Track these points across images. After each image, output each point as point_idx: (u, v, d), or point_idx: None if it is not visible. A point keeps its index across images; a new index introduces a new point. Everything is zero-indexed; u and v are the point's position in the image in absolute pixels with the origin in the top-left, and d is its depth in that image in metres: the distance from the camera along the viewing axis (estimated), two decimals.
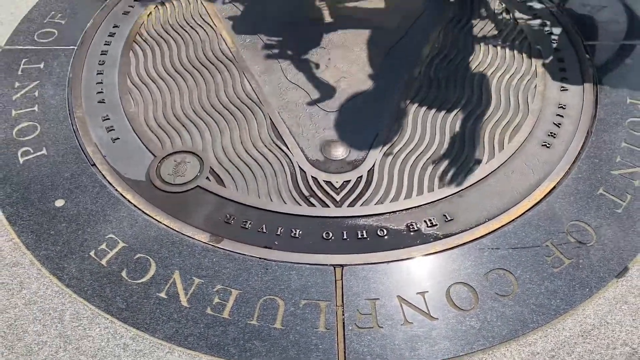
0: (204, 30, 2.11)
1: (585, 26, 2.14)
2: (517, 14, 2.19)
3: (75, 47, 2.03)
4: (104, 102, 1.85)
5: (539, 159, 1.68)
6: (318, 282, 1.38)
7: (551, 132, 1.76)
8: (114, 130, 1.76)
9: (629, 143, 1.71)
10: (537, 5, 2.23)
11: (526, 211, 1.55)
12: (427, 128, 1.77)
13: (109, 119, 1.79)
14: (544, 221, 1.52)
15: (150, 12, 2.18)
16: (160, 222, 1.51)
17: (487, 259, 1.43)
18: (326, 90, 1.91)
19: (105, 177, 1.63)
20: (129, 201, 1.57)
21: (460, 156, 1.69)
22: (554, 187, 1.60)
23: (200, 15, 2.17)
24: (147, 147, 1.71)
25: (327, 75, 1.97)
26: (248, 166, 1.67)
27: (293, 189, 1.61)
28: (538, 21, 2.16)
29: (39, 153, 1.69)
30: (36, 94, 1.86)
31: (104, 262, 1.42)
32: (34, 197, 1.57)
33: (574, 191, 1.59)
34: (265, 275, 1.40)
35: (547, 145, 1.72)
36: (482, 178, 1.63)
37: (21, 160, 1.67)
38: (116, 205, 1.55)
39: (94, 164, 1.66)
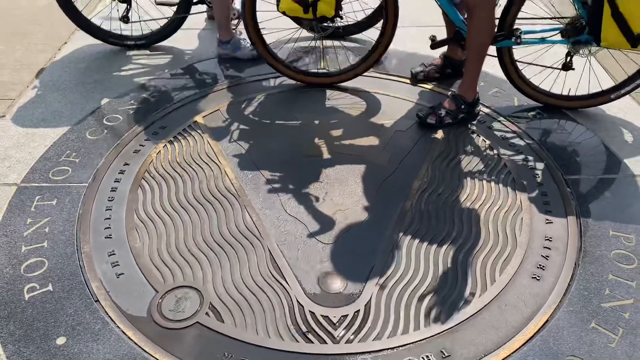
0: (209, 167, 2.26)
1: (565, 161, 2.30)
2: (501, 150, 2.35)
3: (87, 184, 2.16)
4: (110, 238, 1.93)
5: (530, 292, 1.73)
6: None
7: (540, 265, 1.82)
8: (118, 265, 1.83)
9: (615, 275, 1.78)
10: (519, 142, 2.41)
11: (521, 346, 1.57)
12: (421, 261, 1.84)
13: (114, 254, 1.87)
14: (539, 356, 1.53)
15: (160, 151, 2.34)
16: None
17: None
18: (323, 223, 2.01)
19: (107, 314, 1.66)
20: (129, 338, 1.59)
21: (454, 290, 1.74)
22: (547, 320, 1.64)
23: (206, 153, 2.34)
24: (149, 283, 1.77)
25: (324, 208, 2.08)
26: (247, 300, 1.71)
27: (291, 324, 1.64)
28: (521, 156, 2.32)
29: (44, 289, 1.74)
30: (47, 229, 1.95)
31: None
32: (36, 334, 1.60)
33: (567, 325, 1.62)
34: None
35: (537, 278, 1.78)
36: (476, 312, 1.67)
37: (27, 296, 1.71)
38: (117, 343, 1.57)
39: (97, 300, 1.70)
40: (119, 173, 2.22)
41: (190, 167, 2.26)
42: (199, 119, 2.56)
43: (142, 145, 2.38)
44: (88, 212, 2.04)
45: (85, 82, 2.84)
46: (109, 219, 2.01)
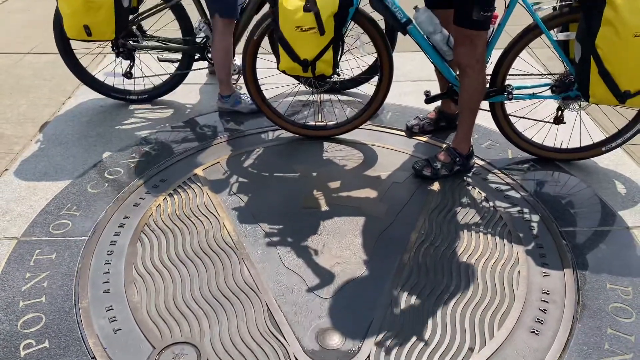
0: (208, 219, 2.28)
1: (560, 213, 2.33)
2: (497, 202, 2.39)
3: (87, 238, 2.17)
4: (109, 292, 1.93)
5: (529, 347, 1.73)
6: None
7: (538, 318, 1.82)
8: (116, 320, 1.82)
9: (614, 329, 1.77)
10: (515, 194, 2.45)
11: None
12: (419, 315, 1.84)
13: (112, 309, 1.86)
14: None
15: (159, 204, 2.37)
16: None
17: None
18: (322, 276, 2.01)
19: None
20: None
21: (453, 345, 1.73)
22: None
23: (205, 206, 2.36)
24: (147, 338, 1.76)
25: (322, 260, 2.09)
26: (245, 358, 1.69)
27: None
28: (516, 208, 2.36)
29: (41, 346, 1.72)
30: (45, 284, 1.95)
31: None
32: None
33: None
34: None
35: (536, 332, 1.77)
36: None
37: (22, 353, 1.70)
38: None
39: (94, 357, 1.69)
40: (118, 226, 2.24)
41: (189, 219, 2.28)
42: (199, 171, 2.60)
43: (142, 199, 2.41)
44: (87, 266, 2.04)
45: (88, 135, 2.90)
46: (108, 273, 2.02)
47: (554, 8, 2.37)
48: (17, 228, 2.23)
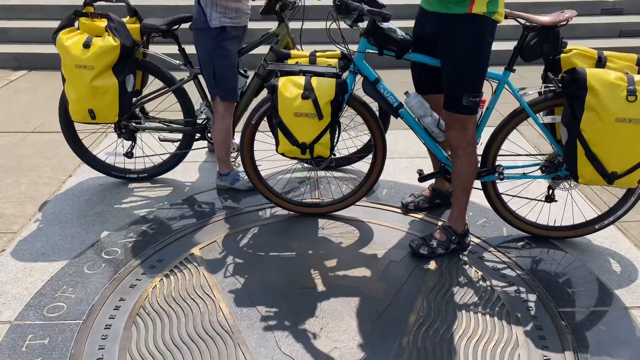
0: (204, 301, 2.27)
1: (557, 292, 2.33)
2: (493, 281, 2.39)
3: (81, 322, 2.15)
4: None
5: None
6: None
7: None
8: None
9: None
10: (511, 273, 2.45)
11: None
12: None
13: None
14: None
15: (155, 285, 2.36)
16: None
17: None
18: None
19: None
20: None
21: None
22: None
23: (202, 287, 2.36)
24: None
25: (320, 345, 2.06)
26: None
27: None
28: (513, 287, 2.36)
29: None
30: None
31: None
32: None
33: None
34: None
35: None
36: None
37: None
38: None
39: None
40: (113, 309, 2.22)
41: (185, 302, 2.26)
42: (195, 251, 2.61)
43: (138, 280, 2.40)
44: (80, 352, 2.01)
45: (87, 214, 2.93)
46: (102, 358, 1.98)
47: (539, 93, 2.48)
48: (11, 311, 2.21)
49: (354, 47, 2.53)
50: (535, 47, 2.38)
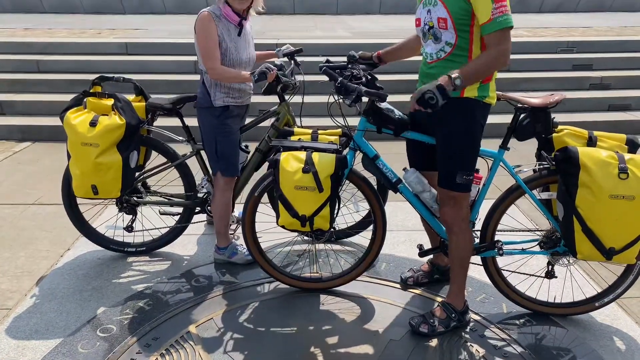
0: None
1: None
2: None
3: None
4: None
5: None
6: None
7: None
8: None
9: None
10: (512, 350, 2.41)
11: None
12: None
13: None
14: None
15: None
16: None
17: None
18: None
19: None
20: None
21: None
22: None
23: None
24: None
25: None
26: None
27: None
28: None
29: None
30: None
31: None
32: None
33: None
34: None
35: None
36: None
37: None
38: None
39: None
40: None
41: None
42: (192, 328, 2.57)
43: (133, 359, 2.34)
44: None
45: (83, 289, 2.90)
46: None
47: (534, 170, 2.54)
48: None
49: (354, 120, 2.60)
50: (527, 127, 2.46)
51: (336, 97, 2.49)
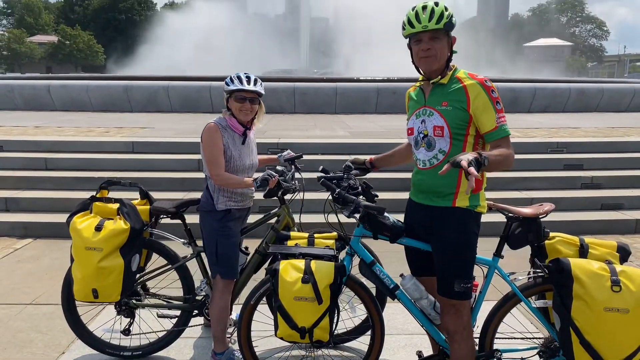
0: None
1: None
2: None
3: None
4: None
5: None
6: None
7: None
8: None
9: None
10: None
11: None
12: None
13: None
14: None
15: None
16: None
17: None
18: None
19: None
20: None
21: None
22: None
23: None
24: None
25: None
26: None
27: None
28: None
29: None
30: None
31: None
32: None
33: None
34: None
35: None
36: None
37: None
38: None
39: None
40: None
41: None
42: None
43: None
44: None
45: None
46: None
47: (529, 278, 2.59)
48: None
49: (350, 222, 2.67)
50: (520, 236, 2.54)
51: (333, 206, 2.59)
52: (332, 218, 2.64)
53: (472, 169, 1.97)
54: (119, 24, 72.44)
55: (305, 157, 3.63)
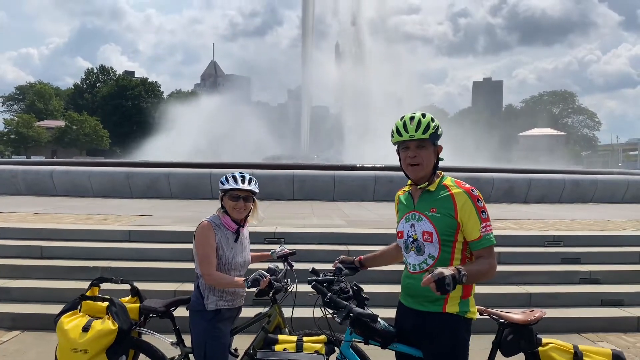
0: None
1: None
2: None
3: None
4: None
5: None
6: None
7: None
8: None
9: None
10: None
11: None
12: None
13: None
14: None
15: None
16: None
17: None
18: None
19: None
20: None
21: None
22: None
23: None
24: None
25: None
26: None
27: None
28: None
29: None
30: None
31: None
32: None
33: None
34: None
35: None
36: None
37: None
38: None
39: None
40: None
41: None
42: None
43: None
44: None
45: None
46: None
47: None
48: None
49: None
50: (512, 343, 2.50)
51: (324, 310, 2.57)
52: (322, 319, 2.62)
53: (433, 286, 2.11)
54: (126, 110, 74.93)
55: (302, 247, 3.66)
